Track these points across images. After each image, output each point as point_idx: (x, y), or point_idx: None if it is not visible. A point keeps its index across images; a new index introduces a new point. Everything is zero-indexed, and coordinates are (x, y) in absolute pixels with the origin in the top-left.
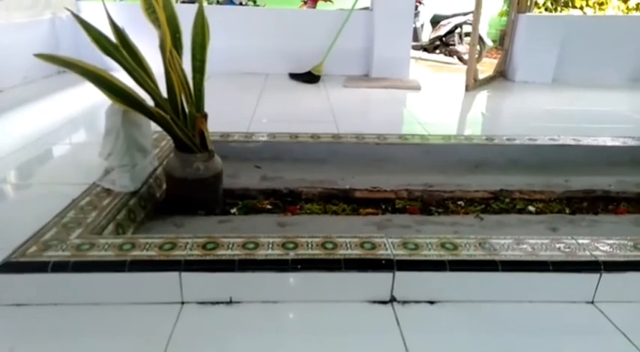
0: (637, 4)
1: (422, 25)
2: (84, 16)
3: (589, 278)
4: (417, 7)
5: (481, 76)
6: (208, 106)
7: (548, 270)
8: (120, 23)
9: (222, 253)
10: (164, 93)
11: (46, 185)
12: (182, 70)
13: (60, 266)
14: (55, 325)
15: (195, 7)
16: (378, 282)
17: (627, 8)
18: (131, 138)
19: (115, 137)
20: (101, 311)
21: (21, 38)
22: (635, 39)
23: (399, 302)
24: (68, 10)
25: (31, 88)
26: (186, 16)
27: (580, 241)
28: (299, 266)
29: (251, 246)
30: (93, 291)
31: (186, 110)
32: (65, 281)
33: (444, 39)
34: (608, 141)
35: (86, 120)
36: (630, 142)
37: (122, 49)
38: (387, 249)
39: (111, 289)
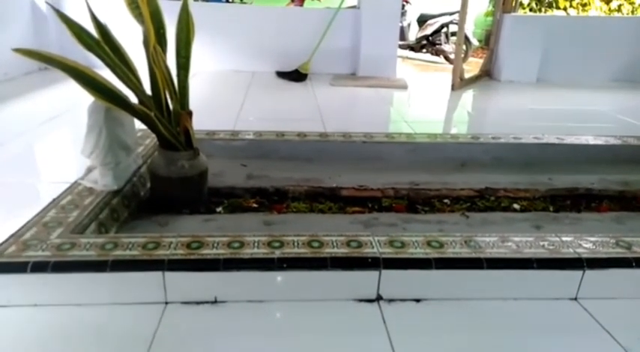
0: (619, 6)
1: (409, 25)
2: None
3: (572, 275)
4: (403, 6)
5: (467, 76)
6: (194, 104)
7: (532, 268)
8: (103, 18)
9: (207, 252)
10: (148, 90)
11: (26, 183)
12: (166, 67)
13: (40, 267)
14: (34, 327)
15: (179, 3)
16: (365, 281)
17: (609, 9)
18: (114, 136)
19: (97, 135)
20: (82, 312)
21: (1, 32)
22: (617, 40)
23: (385, 300)
24: (47, 3)
25: (12, 84)
26: (170, 12)
27: (564, 239)
28: (285, 265)
29: (236, 244)
30: (74, 292)
31: (171, 107)
32: (45, 282)
33: (430, 38)
34: (590, 140)
35: (69, 117)
36: (612, 141)
37: (104, 45)
38: (373, 248)
39: (92, 289)
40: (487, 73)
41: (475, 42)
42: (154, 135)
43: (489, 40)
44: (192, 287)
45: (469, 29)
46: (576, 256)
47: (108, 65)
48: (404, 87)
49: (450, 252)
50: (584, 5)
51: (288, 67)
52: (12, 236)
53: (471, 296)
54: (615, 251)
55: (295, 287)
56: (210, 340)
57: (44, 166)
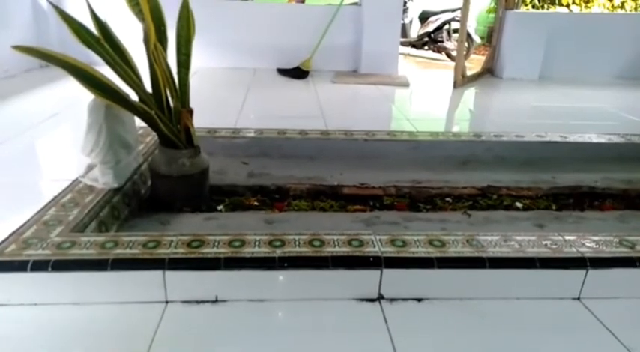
0: (622, 3)
1: (410, 22)
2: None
3: (575, 275)
4: (405, 3)
5: (469, 73)
6: (194, 101)
7: (535, 267)
8: (104, 15)
9: (208, 251)
10: (148, 88)
11: (27, 181)
12: (167, 64)
13: (40, 265)
14: (34, 326)
15: None
16: (366, 280)
17: (612, 6)
18: (114, 134)
19: (97, 133)
20: (82, 311)
21: (2, 29)
22: (621, 37)
23: (386, 299)
24: (48, 1)
25: (12, 82)
26: (171, 9)
27: (566, 238)
28: (286, 264)
29: (237, 243)
30: (74, 291)
31: (171, 105)
32: (45, 281)
33: (432, 35)
34: (594, 138)
35: (69, 115)
36: (615, 139)
37: (104, 42)
38: (374, 246)
39: (92, 288)
40: (489, 71)
41: (477, 39)
42: (154, 133)
43: (491, 37)
44: (193, 286)
45: (471, 26)
46: (579, 255)
47: (108, 63)
48: (406, 84)
49: (452, 251)
50: (587, 2)
51: (290, 64)
52: (12, 234)
53: (473, 296)
54: (619, 250)
55: (296, 286)
56: (210, 339)
57: (45, 164)
